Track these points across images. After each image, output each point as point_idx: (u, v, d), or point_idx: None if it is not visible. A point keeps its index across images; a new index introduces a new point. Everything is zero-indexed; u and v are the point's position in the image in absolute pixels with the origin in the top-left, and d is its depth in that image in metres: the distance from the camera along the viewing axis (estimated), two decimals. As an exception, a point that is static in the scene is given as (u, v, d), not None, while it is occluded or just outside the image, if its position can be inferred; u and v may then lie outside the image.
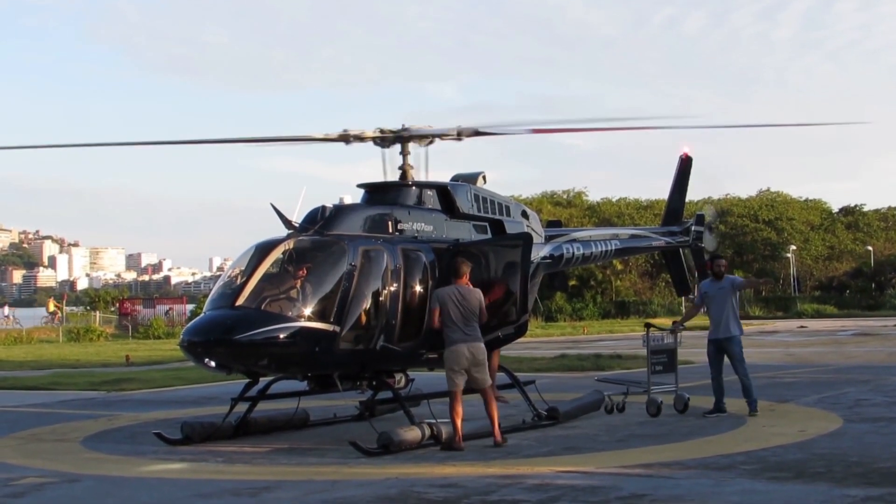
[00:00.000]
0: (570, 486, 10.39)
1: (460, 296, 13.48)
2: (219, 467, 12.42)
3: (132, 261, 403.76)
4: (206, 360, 13.34)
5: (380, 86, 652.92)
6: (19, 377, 27.63)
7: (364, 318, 13.81)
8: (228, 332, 13.10)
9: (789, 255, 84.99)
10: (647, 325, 16.74)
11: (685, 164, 24.38)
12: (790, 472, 10.86)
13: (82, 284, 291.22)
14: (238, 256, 14.36)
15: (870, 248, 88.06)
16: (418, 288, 14.58)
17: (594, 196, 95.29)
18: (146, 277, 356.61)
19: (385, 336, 14.01)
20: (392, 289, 14.15)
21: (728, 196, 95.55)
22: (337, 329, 13.45)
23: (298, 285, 13.58)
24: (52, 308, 69.43)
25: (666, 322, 18.26)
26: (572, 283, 69.54)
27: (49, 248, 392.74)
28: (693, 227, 24.38)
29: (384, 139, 15.77)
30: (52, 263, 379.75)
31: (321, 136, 15.87)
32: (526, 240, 15.56)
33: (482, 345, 13.56)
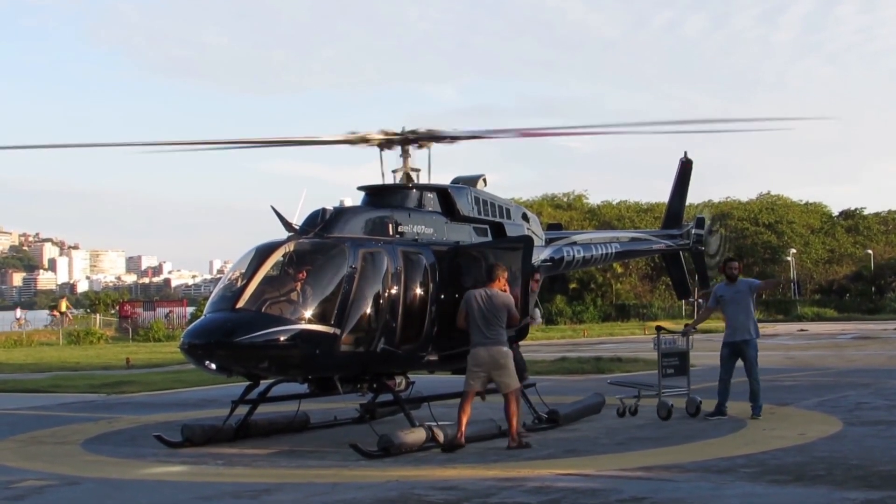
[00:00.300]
0: (570, 489, 10.39)
1: (487, 298, 13.54)
2: (219, 470, 12.42)
3: (132, 263, 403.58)
4: (207, 362, 13.35)
5: (379, 87, 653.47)
6: (19, 380, 27.65)
7: (364, 321, 13.81)
8: (229, 334, 13.11)
9: (789, 258, 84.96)
10: (659, 329, 16.65)
11: (685, 168, 24.42)
12: (790, 476, 10.86)
13: (82, 287, 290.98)
14: (238, 259, 14.38)
15: (870, 251, 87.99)
16: (418, 290, 14.59)
17: (594, 199, 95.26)
18: (146, 280, 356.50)
19: (385, 338, 14.02)
20: (392, 291, 14.16)
21: (728, 199, 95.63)
22: (337, 331, 13.46)
23: (299, 288, 13.60)
24: (64, 308, 69.28)
25: (666, 324, 18.24)
26: (573, 285, 69.64)
27: (49, 251, 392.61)
28: (693, 230, 24.40)
29: (386, 142, 15.79)
30: (53, 266, 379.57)
31: (328, 139, 15.90)
32: (526, 242, 15.58)
33: (504, 348, 13.56)
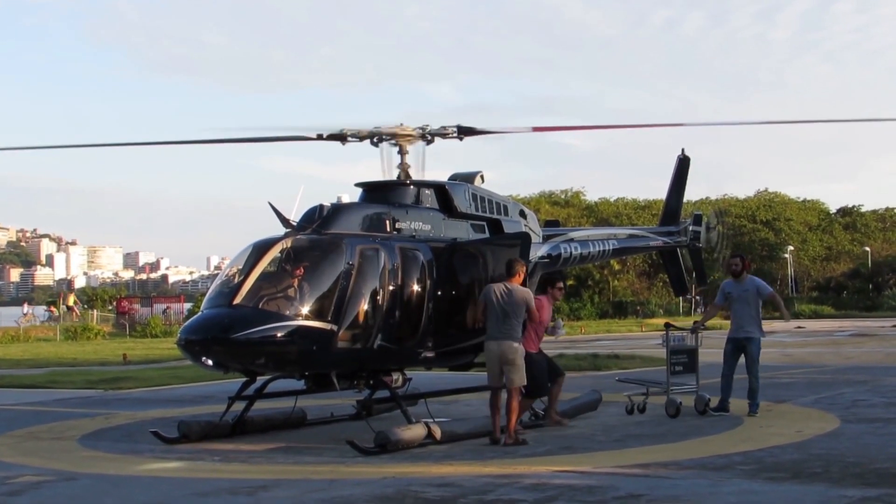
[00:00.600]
0: (567, 486, 10.39)
1: (505, 292, 13.62)
2: (216, 466, 12.41)
3: (130, 259, 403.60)
4: (204, 358, 13.35)
5: (379, 85, 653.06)
6: (16, 375, 27.60)
7: (361, 317, 13.81)
8: (226, 330, 13.10)
9: (787, 255, 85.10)
10: (667, 326, 16.58)
11: (683, 165, 24.40)
12: (787, 473, 10.87)
13: (80, 283, 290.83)
14: (236, 255, 14.36)
15: (867, 248, 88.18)
16: (416, 287, 14.59)
17: (592, 196, 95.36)
18: (144, 276, 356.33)
19: (382, 335, 14.02)
20: (390, 288, 14.16)
21: (726, 196, 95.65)
22: (334, 328, 13.45)
23: (296, 284, 13.59)
24: (71, 302, 69.15)
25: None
26: (570, 282, 69.65)
27: (47, 247, 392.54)
28: (691, 227, 24.38)
29: (381, 138, 15.78)
30: (50, 262, 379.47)
31: (317, 135, 15.87)
32: (524, 239, 15.58)
33: (514, 343, 13.59)
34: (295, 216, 14.45)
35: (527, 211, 18.37)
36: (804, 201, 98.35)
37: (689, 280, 27.09)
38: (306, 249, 14.03)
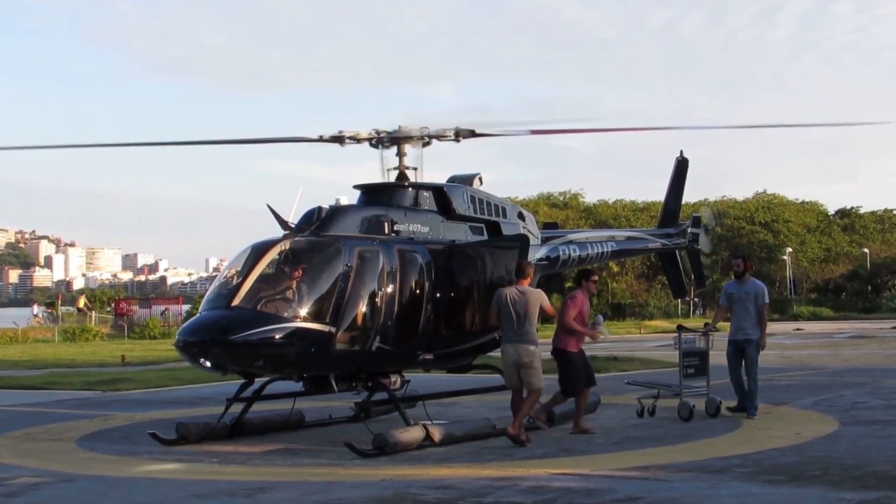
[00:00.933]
0: (565, 489, 10.38)
1: (518, 295, 13.71)
2: (214, 468, 12.41)
3: (128, 261, 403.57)
4: (202, 360, 13.32)
5: (377, 87, 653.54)
6: (15, 376, 27.58)
7: (360, 319, 13.80)
8: (224, 332, 13.09)
9: (785, 257, 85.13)
10: (680, 328, 16.51)
11: (681, 166, 24.41)
12: (786, 475, 10.86)
13: (78, 284, 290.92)
14: (234, 257, 14.35)
15: (866, 250, 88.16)
16: (414, 289, 14.59)
17: (591, 198, 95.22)
18: (142, 278, 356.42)
19: (381, 337, 14.01)
20: (388, 290, 14.15)
21: (724, 198, 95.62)
22: (333, 330, 13.45)
23: (294, 286, 13.58)
24: (81, 304, 69.08)
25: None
26: (568, 284, 69.56)
27: (45, 248, 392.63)
28: (689, 229, 24.39)
29: (379, 140, 15.79)
30: (49, 263, 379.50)
31: (316, 137, 15.88)
32: (522, 241, 15.58)
33: (531, 347, 13.68)
34: (293, 218, 14.44)
35: (525, 213, 18.37)
36: (803, 203, 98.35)
37: (687, 282, 27.09)
38: (305, 251, 14.02)
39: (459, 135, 15.96)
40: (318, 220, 14.29)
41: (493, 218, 16.85)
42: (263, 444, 14.23)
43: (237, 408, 15.00)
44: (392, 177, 16.09)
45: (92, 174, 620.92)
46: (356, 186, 16.10)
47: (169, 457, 13.29)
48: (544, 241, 19.14)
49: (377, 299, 14.01)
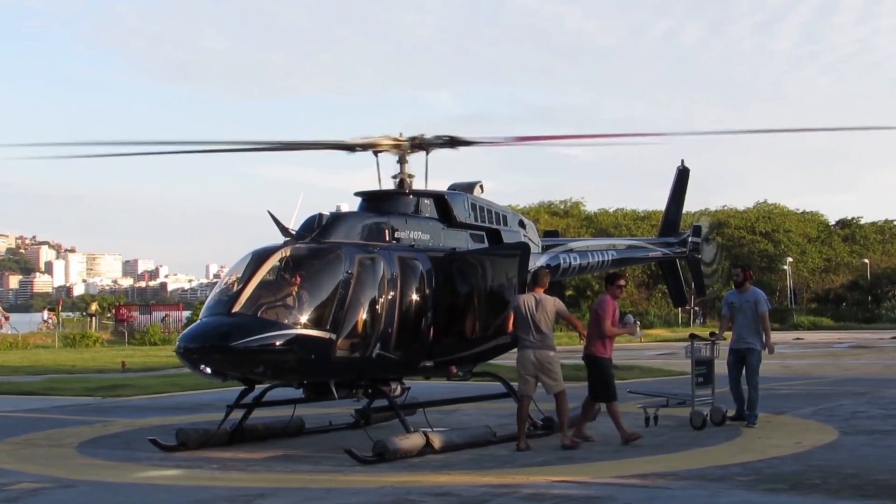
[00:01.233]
0: (565, 496, 10.39)
1: (536, 302, 13.90)
2: (214, 474, 12.40)
3: (129, 267, 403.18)
4: (202, 366, 13.34)
5: (378, 93, 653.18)
6: (15, 382, 27.58)
7: (360, 326, 13.82)
8: (224, 338, 13.10)
9: (786, 267, 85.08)
10: (692, 337, 16.51)
11: (682, 175, 24.44)
12: (786, 484, 10.86)
13: (79, 290, 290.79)
14: (235, 263, 14.37)
15: (866, 260, 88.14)
16: (414, 296, 14.60)
17: (591, 206, 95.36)
18: (143, 284, 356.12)
19: (381, 344, 14.03)
20: (388, 297, 14.16)
21: (725, 207, 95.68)
22: (333, 337, 13.46)
23: (295, 292, 13.60)
24: (93, 309, 68.96)
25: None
26: (569, 293, 69.56)
27: (46, 254, 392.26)
28: (690, 238, 24.41)
29: (381, 148, 15.79)
30: (49, 269, 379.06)
31: (323, 143, 15.91)
32: (523, 249, 15.60)
33: (551, 353, 13.93)
34: (294, 225, 14.48)
35: (526, 221, 18.39)
36: (803, 213, 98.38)
37: (688, 291, 27.10)
38: (305, 258, 14.03)
39: (452, 143, 15.93)
40: (319, 227, 14.31)
41: (494, 226, 16.87)
42: (263, 450, 14.23)
43: (237, 414, 15.01)
44: (393, 184, 16.10)
45: (92, 179, 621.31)
46: (357, 193, 16.13)
47: (169, 463, 13.28)
48: (545, 249, 19.15)
49: (377, 306, 14.03)
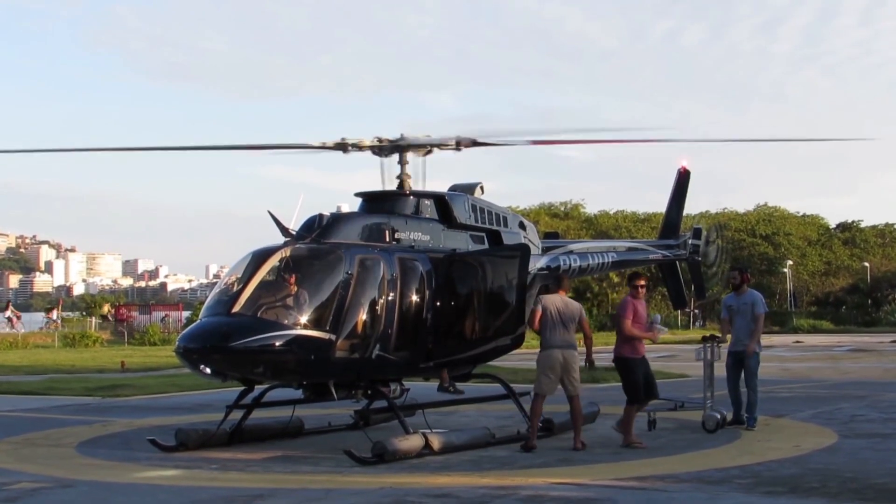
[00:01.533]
0: (564, 498, 10.39)
1: (563, 304, 14.16)
2: (213, 474, 12.41)
3: (129, 267, 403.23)
4: (202, 366, 13.33)
5: (378, 94, 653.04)
6: (14, 382, 27.60)
7: (360, 327, 13.83)
8: (224, 339, 13.11)
9: (786, 270, 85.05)
10: (705, 339, 16.36)
11: (683, 178, 24.44)
12: (785, 487, 10.87)
13: (79, 290, 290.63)
14: (235, 263, 14.38)
15: (866, 264, 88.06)
16: (414, 297, 14.60)
17: (591, 208, 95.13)
18: (143, 284, 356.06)
19: (381, 345, 14.03)
20: (388, 298, 14.17)
21: (725, 210, 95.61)
22: (333, 337, 13.47)
23: (295, 293, 13.60)
24: (106, 311, 68.89)
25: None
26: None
27: (46, 254, 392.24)
28: (690, 241, 24.40)
29: (382, 148, 15.82)
30: (49, 268, 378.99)
31: (319, 144, 15.91)
32: (523, 251, 15.59)
33: (576, 352, 14.09)
34: (294, 225, 14.48)
35: (526, 222, 18.39)
36: (804, 216, 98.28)
37: (687, 294, 27.09)
38: (305, 258, 14.04)
39: (461, 144, 15.98)
40: (319, 228, 14.32)
41: (495, 227, 16.88)
42: (263, 451, 14.24)
43: (237, 414, 15.02)
44: (393, 185, 16.10)
45: (93, 179, 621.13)
46: (357, 194, 16.13)
47: (168, 463, 13.29)
48: (545, 250, 19.15)
49: (377, 307, 14.03)
